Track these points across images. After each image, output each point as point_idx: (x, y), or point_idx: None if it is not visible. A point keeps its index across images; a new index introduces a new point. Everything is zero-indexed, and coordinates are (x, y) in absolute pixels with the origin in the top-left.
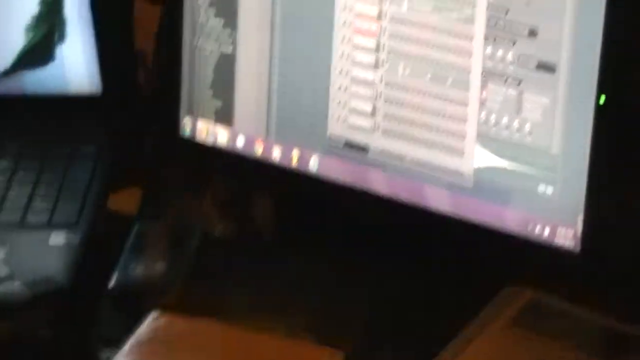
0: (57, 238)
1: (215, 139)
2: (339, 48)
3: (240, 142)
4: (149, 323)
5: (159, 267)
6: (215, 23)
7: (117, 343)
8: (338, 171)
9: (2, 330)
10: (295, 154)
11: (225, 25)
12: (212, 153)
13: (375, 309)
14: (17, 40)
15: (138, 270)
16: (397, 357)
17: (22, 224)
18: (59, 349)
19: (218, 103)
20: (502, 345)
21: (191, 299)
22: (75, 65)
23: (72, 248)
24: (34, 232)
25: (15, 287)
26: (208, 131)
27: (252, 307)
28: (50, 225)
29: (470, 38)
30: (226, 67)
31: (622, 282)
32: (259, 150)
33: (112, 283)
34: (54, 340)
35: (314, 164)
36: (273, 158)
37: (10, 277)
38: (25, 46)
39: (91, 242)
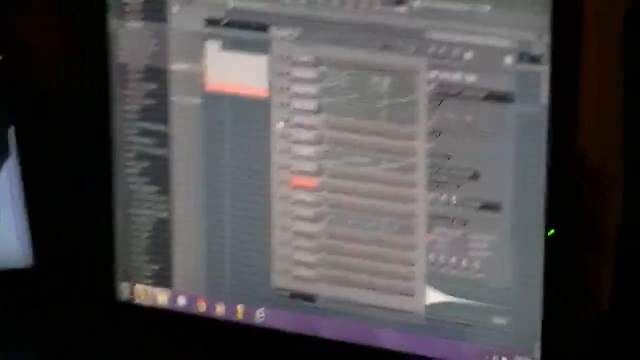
0: None
1: (155, 301)
2: (278, 204)
3: (181, 302)
4: None
5: None
6: (149, 190)
7: None
8: (285, 322)
9: None
10: (240, 308)
11: (159, 192)
12: (154, 315)
13: None
14: None
15: None
16: None
17: None
18: None
19: (156, 267)
20: None
21: None
22: (8, 242)
23: None
24: None
25: None
26: (147, 294)
27: None
28: None
29: (412, 185)
30: (162, 231)
31: None
32: (201, 308)
33: None
34: None
35: (260, 317)
36: (217, 314)
37: None
38: None
39: None
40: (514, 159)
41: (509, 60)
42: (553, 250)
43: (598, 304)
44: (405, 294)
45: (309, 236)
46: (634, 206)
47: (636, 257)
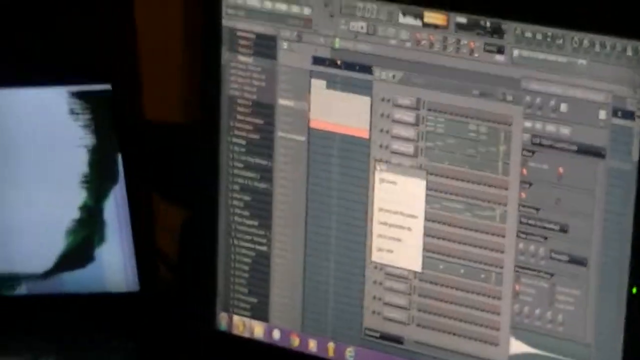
0: None
1: (252, 333)
2: (374, 244)
3: (276, 336)
4: None
5: None
6: (250, 223)
7: None
8: None
9: None
10: (330, 346)
11: (260, 226)
12: (249, 346)
13: None
14: (58, 243)
15: None
16: None
17: None
18: None
19: (254, 300)
20: None
21: None
22: (114, 265)
23: None
24: None
25: None
26: (244, 326)
27: None
28: None
29: (502, 235)
30: (261, 265)
31: None
32: (294, 343)
33: None
34: None
35: (350, 356)
36: (309, 350)
37: None
38: (65, 249)
39: None
40: (603, 214)
41: (603, 114)
42: (636, 308)
43: None
44: (491, 343)
45: (401, 278)
46: None
47: None
